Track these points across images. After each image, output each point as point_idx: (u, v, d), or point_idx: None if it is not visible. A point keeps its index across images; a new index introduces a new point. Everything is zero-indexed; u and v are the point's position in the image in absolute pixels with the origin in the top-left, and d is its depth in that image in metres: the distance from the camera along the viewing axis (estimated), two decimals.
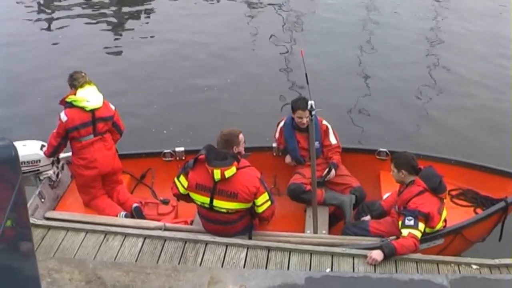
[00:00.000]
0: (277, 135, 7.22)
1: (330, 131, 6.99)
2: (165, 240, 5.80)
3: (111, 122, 6.85)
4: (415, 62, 12.67)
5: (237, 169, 5.67)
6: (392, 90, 11.39)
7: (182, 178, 5.90)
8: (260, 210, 5.84)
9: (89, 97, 6.65)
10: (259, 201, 5.76)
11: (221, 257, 5.58)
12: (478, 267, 5.42)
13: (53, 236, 5.82)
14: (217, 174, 5.62)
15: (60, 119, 6.64)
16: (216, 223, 5.96)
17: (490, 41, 13.66)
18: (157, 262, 5.50)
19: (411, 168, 5.87)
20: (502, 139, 9.43)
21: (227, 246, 5.72)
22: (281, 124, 7.14)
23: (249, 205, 5.80)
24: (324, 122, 6.99)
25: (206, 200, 5.80)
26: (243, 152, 5.97)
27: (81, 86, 6.68)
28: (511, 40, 13.07)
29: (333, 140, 6.98)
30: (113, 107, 6.91)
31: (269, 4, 16.38)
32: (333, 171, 6.87)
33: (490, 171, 6.90)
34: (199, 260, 5.54)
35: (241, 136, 5.97)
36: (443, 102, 10.99)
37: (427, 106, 10.87)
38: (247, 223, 6.03)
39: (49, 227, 5.92)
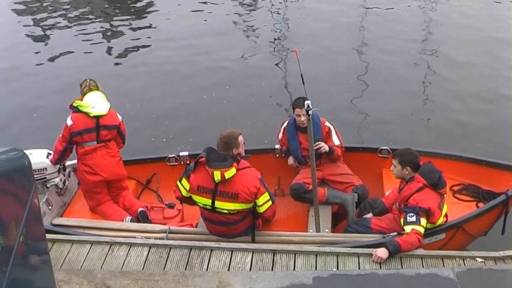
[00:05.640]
0: (280, 135, 7.25)
1: (333, 132, 7.01)
2: (170, 248, 5.81)
3: (116, 131, 6.92)
4: (411, 58, 12.71)
5: (237, 170, 5.74)
6: (389, 88, 11.42)
7: (184, 181, 5.98)
8: (261, 210, 5.90)
9: (95, 103, 6.75)
10: (260, 201, 5.83)
11: (226, 263, 5.59)
12: (483, 260, 5.43)
13: (58, 249, 5.83)
14: (217, 175, 5.69)
15: (66, 123, 6.75)
16: (219, 225, 6.03)
17: (489, 37, 13.71)
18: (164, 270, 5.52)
19: (415, 165, 5.90)
20: (502, 133, 9.48)
21: (232, 251, 5.72)
22: (285, 124, 7.18)
23: (250, 205, 5.87)
24: (327, 123, 7.02)
25: (208, 201, 5.87)
26: (243, 153, 6.03)
27: (87, 92, 6.81)
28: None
29: (336, 141, 7.00)
30: (120, 117, 6.99)
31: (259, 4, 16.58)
32: (324, 145, 6.82)
33: (492, 165, 6.91)
34: (205, 266, 5.54)
35: (240, 138, 6.02)
36: (441, 98, 11.01)
37: (425, 102, 10.90)
38: (250, 223, 6.09)
39: (54, 240, 5.90)
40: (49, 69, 12.88)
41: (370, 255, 5.50)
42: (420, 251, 5.55)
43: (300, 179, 6.87)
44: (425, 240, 5.75)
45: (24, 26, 15.71)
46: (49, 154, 7.05)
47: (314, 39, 13.78)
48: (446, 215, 6.00)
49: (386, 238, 5.82)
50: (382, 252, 5.45)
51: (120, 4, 17.17)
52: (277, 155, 7.48)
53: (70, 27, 15.47)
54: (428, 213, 5.68)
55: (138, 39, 14.50)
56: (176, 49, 13.65)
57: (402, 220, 5.70)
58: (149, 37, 14.58)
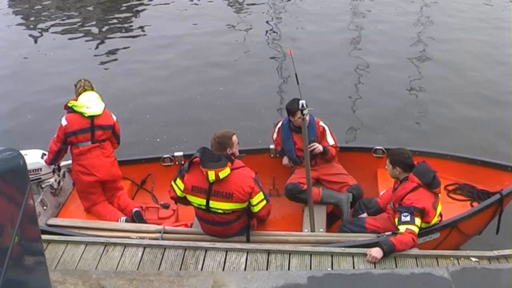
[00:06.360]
0: (275, 135, 7.27)
1: (328, 132, 7.02)
2: (165, 249, 5.80)
3: (111, 131, 6.93)
4: (406, 58, 12.74)
5: (231, 170, 5.75)
6: (384, 87, 11.45)
7: (178, 181, 5.98)
8: (256, 209, 5.90)
9: (89, 103, 6.76)
10: (254, 200, 5.83)
11: (221, 263, 5.58)
12: (477, 260, 5.44)
13: (53, 250, 5.81)
14: (211, 175, 5.69)
15: (60, 123, 6.75)
16: (214, 224, 6.04)
17: (488, 35, 13.75)
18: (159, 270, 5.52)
19: (406, 165, 5.90)
20: (498, 132, 9.52)
21: (227, 252, 5.72)
22: (279, 125, 7.19)
23: (244, 205, 5.87)
24: (321, 123, 7.03)
25: (203, 201, 5.87)
26: (237, 153, 6.03)
27: (82, 93, 6.82)
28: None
29: (330, 141, 7.01)
30: (114, 118, 7.00)
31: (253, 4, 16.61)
32: (318, 145, 6.85)
33: (486, 165, 6.92)
34: (200, 266, 5.54)
35: (234, 137, 6.03)
36: (436, 98, 11.03)
37: (420, 102, 10.93)
38: (245, 223, 6.10)
39: (49, 241, 5.89)
40: (43, 70, 12.87)
41: (365, 254, 5.50)
42: (415, 251, 5.55)
43: (294, 179, 6.88)
44: (419, 239, 5.75)
45: (16, 27, 15.75)
46: (43, 154, 7.07)
47: (308, 39, 13.81)
48: (440, 215, 6.01)
49: (380, 238, 5.84)
50: (376, 252, 5.45)
51: (112, 4, 17.16)
52: (272, 155, 7.49)
53: (64, 28, 15.49)
54: (422, 213, 5.69)
55: (131, 39, 14.54)
56: (170, 49, 13.69)
57: (396, 219, 5.70)
58: (143, 38, 14.64)
